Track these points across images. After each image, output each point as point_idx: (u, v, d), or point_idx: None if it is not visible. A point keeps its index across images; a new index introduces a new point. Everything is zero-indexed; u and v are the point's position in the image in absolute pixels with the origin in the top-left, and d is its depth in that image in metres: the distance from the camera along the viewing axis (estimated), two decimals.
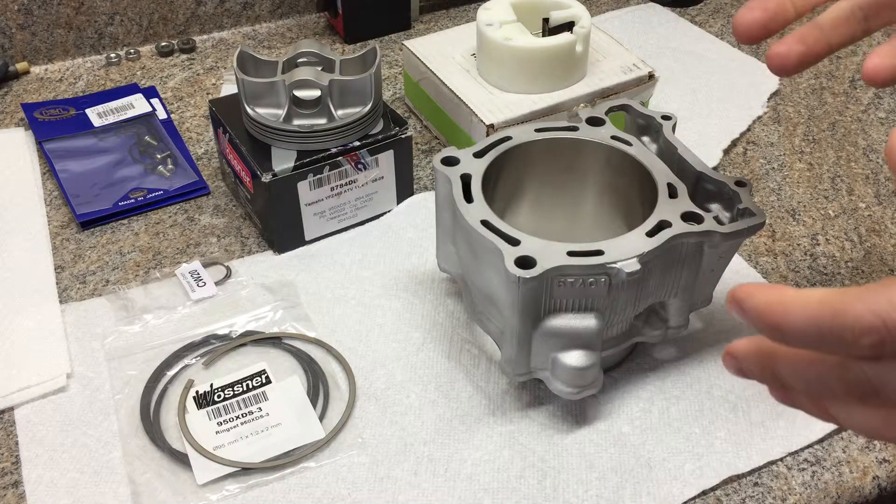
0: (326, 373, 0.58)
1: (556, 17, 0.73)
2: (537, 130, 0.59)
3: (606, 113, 0.60)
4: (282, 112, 0.62)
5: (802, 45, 0.43)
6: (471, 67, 0.75)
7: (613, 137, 0.58)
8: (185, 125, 0.80)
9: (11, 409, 0.56)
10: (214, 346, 0.59)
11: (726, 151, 0.78)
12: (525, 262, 0.48)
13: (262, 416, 0.55)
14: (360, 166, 0.65)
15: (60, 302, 0.62)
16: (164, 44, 0.90)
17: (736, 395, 0.57)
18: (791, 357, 0.33)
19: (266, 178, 0.62)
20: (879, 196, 0.73)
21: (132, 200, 0.71)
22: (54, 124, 0.78)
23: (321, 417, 0.55)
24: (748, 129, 0.80)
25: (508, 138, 0.58)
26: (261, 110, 0.63)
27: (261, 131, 0.63)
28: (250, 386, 0.57)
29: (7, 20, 0.84)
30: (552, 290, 0.49)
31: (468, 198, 0.53)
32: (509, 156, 0.57)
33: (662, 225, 0.51)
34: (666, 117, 0.59)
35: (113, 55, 0.88)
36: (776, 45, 0.43)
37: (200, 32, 0.92)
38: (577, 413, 0.56)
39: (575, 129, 0.59)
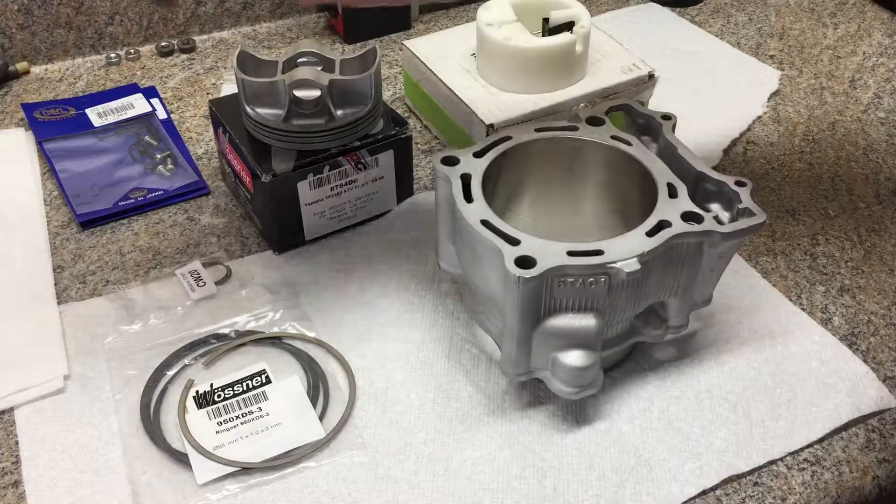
0: (326, 373, 0.58)
1: (556, 17, 0.73)
2: (537, 130, 0.59)
3: (606, 113, 0.60)
4: (282, 112, 0.62)
5: None
6: (471, 67, 0.75)
7: (613, 137, 0.58)
8: (185, 125, 0.80)
9: (11, 409, 0.56)
10: (214, 346, 0.59)
11: (726, 151, 0.78)
12: (525, 262, 0.48)
13: (262, 416, 0.55)
14: (360, 166, 0.65)
15: (61, 302, 0.62)
16: (164, 44, 0.90)
17: (736, 395, 0.57)
18: None
19: (266, 178, 0.62)
20: (879, 196, 0.73)
21: (132, 200, 0.71)
22: (54, 124, 0.78)
23: (321, 417, 0.55)
24: (748, 129, 0.80)
25: (508, 138, 0.58)
26: (261, 110, 0.63)
27: (261, 131, 0.63)
28: (250, 386, 0.56)
29: (7, 20, 0.84)
30: (552, 290, 0.49)
31: (468, 198, 0.53)
32: (509, 156, 0.57)
33: (662, 225, 0.51)
34: (666, 117, 0.59)
35: (113, 55, 0.88)
36: None
37: (200, 32, 0.92)
38: (577, 413, 0.56)
39: (575, 129, 0.59)
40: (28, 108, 0.80)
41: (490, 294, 0.52)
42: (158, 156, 0.75)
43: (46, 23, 0.85)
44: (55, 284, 0.64)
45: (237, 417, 0.55)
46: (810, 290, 0.65)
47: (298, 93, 0.63)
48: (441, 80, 0.74)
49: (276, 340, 0.60)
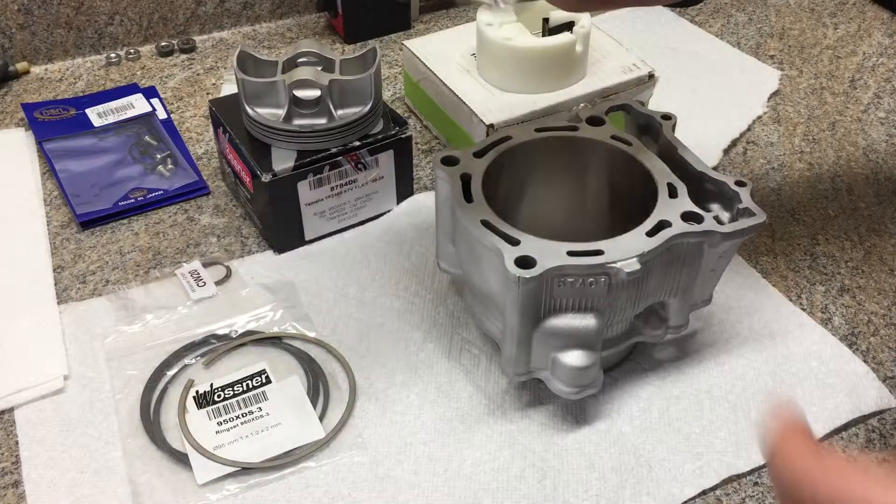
0: (326, 373, 0.58)
1: (556, 17, 0.73)
2: (537, 130, 0.59)
3: (606, 113, 0.60)
4: (282, 112, 0.62)
5: None
6: (471, 67, 0.75)
7: (613, 137, 0.58)
8: (185, 125, 0.80)
9: (11, 409, 0.56)
10: (214, 346, 0.59)
11: (726, 151, 0.78)
12: (525, 262, 0.48)
13: (262, 416, 0.55)
14: (360, 166, 0.65)
15: (60, 302, 0.62)
16: (164, 44, 0.90)
17: (736, 395, 0.57)
18: None
19: (266, 178, 0.62)
20: (879, 196, 0.73)
21: (132, 200, 0.71)
22: (54, 124, 0.78)
23: (321, 417, 0.55)
24: (748, 129, 0.80)
25: (508, 138, 0.58)
26: (261, 110, 0.63)
27: (261, 131, 0.63)
28: (250, 386, 0.56)
29: (7, 20, 0.84)
30: (552, 290, 0.49)
31: (468, 198, 0.53)
32: (509, 156, 0.57)
33: (662, 225, 0.51)
34: (666, 117, 0.59)
35: (113, 55, 0.88)
36: None
37: (200, 32, 0.92)
38: (577, 413, 0.56)
39: (575, 128, 0.59)
40: (28, 108, 0.80)
41: (490, 294, 0.52)
42: (158, 156, 0.75)
43: (46, 23, 0.85)
44: (55, 284, 0.64)
45: (237, 417, 0.55)
46: (810, 290, 0.65)
47: (298, 93, 0.63)
48: (441, 80, 0.74)
49: (276, 340, 0.60)
